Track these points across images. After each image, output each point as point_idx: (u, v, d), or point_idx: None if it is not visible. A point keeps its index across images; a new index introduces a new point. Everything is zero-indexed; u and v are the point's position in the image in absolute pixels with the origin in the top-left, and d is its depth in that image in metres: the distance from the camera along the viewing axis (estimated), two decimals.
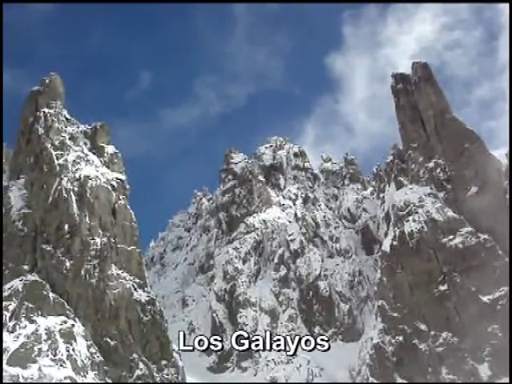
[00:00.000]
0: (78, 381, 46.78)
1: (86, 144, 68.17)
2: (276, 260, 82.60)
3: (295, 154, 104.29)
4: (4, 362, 45.39)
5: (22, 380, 44.22)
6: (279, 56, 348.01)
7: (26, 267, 56.68)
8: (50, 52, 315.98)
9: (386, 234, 71.29)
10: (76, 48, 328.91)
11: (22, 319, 49.73)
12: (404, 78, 74.44)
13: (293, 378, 66.80)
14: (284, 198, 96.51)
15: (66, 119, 68.79)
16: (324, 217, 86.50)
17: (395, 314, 62.51)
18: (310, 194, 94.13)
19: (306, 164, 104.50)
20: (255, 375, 69.97)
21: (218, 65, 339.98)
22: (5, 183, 67.05)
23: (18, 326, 48.86)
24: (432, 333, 59.15)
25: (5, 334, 47.91)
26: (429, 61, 74.50)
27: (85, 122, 70.97)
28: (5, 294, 52.28)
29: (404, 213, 66.05)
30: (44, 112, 67.14)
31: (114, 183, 64.17)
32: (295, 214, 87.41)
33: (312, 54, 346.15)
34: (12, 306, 50.67)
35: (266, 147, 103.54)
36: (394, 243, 65.74)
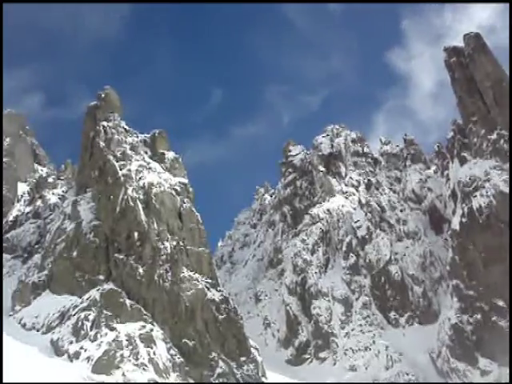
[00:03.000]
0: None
1: (146, 152, 69.75)
2: (344, 248, 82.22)
3: (353, 140, 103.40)
4: (89, 370, 46.95)
5: None
6: (343, 56, 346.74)
7: (101, 277, 58.50)
8: (121, 73, 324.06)
9: (454, 212, 69.85)
10: (144, 71, 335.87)
11: (103, 327, 51.30)
12: (457, 50, 72.78)
13: (372, 364, 66.46)
14: (346, 185, 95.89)
15: (125, 130, 70.56)
16: (389, 200, 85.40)
17: (471, 293, 61.39)
18: (372, 179, 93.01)
19: (366, 149, 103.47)
20: (334, 365, 69.96)
21: (286, 73, 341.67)
22: (73, 198, 69.28)
23: (99, 335, 50.45)
24: None
25: (87, 343, 49.57)
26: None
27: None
28: (83, 304, 54.08)
29: (470, 188, 64.71)
30: (103, 125, 69.05)
31: (177, 188, 65.40)
32: (359, 201, 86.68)
33: (374, 51, 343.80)
34: (92, 315, 52.36)
35: (323, 136, 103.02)
36: (464, 220, 64.51)
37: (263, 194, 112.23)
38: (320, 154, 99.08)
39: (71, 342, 50.09)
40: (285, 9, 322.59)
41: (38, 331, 55.13)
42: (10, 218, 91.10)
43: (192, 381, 51.79)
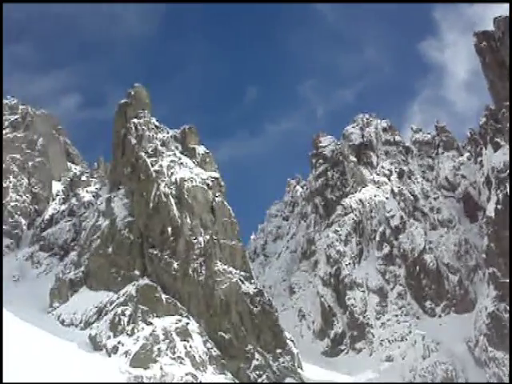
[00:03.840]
0: (199, 376, 48.46)
1: (177, 148, 70.26)
2: (378, 238, 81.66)
3: (384, 129, 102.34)
4: (127, 364, 47.69)
5: (145, 380, 46.26)
6: (376, 49, 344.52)
7: (136, 272, 59.26)
8: (156, 72, 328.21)
9: (488, 199, 68.83)
10: (179, 71, 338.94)
11: (139, 322, 52.02)
12: (487, 35, 71.31)
13: (409, 354, 65.99)
14: (378, 174, 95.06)
15: (156, 126, 71.16)
16: (422, 189, 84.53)
17: (508, 280, 60.47)
18: (404, 168, 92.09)
19: (397, 138, 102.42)
20: (370, 355, 69.69)
21: (319, 68, 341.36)
22: (107, 195, 70.21)
23: (136, 329, 51.18)
24: None
25: (125, 338, 50.33)
26: None
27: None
28: (120, 299, 54.92)
29: (505, 174, 63.64)
30: (134, 123, 69.77)
31: (209, 182, 65.77)
32: (392, 190, 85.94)
33: (407, 42, 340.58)
34: (128, 310, 53.13)
35: (353, 126, 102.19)
36: (499, 207, 63.50)
37: (295, 186, 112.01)
38: (351, 144, 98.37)
39: (109, 337, 50.90)
40: (316, 6, 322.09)
41: (76, 327, 56.18)
42: (46, 216, 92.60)
43: (229, 374, 52.14)
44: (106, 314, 54.37)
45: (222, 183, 67.89)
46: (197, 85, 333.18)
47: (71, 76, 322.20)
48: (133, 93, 73.95)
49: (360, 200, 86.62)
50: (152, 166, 64.82)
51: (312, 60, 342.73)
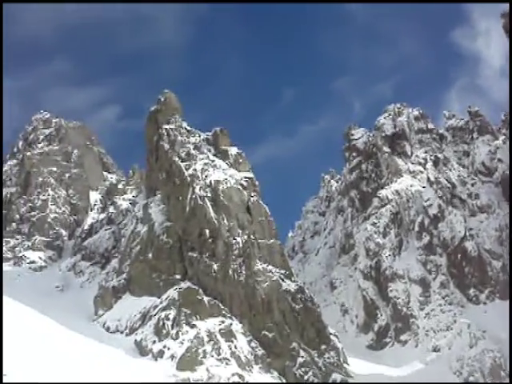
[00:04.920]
0: (245, 376, 48.67)
1: (209, 150, 70.66)
2: (417, 228, 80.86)
3: (416, 118, 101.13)
4: (174, 367, 48.16)
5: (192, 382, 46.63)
6: (409, 41, 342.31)
7: (177, 276, 59.82)
8: (193, 76, 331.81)
9: None
10: (216, 76, 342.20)
11: (183, 325, 52.48)
12: None
13: (455, 344, 65.19)
14: (413, 164, 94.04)
15: (187, 131, 71.76)
16: (458, 175, 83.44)
17: None
18: (439, 155, 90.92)
19: (430, 125, 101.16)
20: (416, 346, 69.05)
21: (354, 65, 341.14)
22: (143, 201, 71.00)
23: (180, 333, 51.66)
24: None
25: (170, 342, 50.85)
26: None
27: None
28: (163, 304, 55.50)
29: None
30: (165, 128, 70.49)
31: (243, 182, 65.97)
32: (428, 179, 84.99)
33: (439, 32, 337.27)
34: (172, 314, 53.66)
35: (384, 117, 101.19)
36: None
37: (329, 181, 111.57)
38: (383, 134, 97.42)
39: (154, 342, 51.49)
40: (345, 6, 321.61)
41: (121, 333, 56.91)
42: (86, 226, 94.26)
43: (275, 372, 52.24)
44: (150, 319, 54.98)
45: (257, 183, 68.04)
46: (232, 90, 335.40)
47: (110, 88, 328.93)
48: (163, 99, 74.65)
49: (396, 191, 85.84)
50: (186, 170, 65.37)
51: (346, 57, 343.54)
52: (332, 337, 61.46)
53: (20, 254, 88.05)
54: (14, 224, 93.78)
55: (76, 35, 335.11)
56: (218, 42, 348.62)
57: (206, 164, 66.59)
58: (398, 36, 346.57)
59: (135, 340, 52.97)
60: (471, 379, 60.10)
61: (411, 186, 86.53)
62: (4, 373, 36.62)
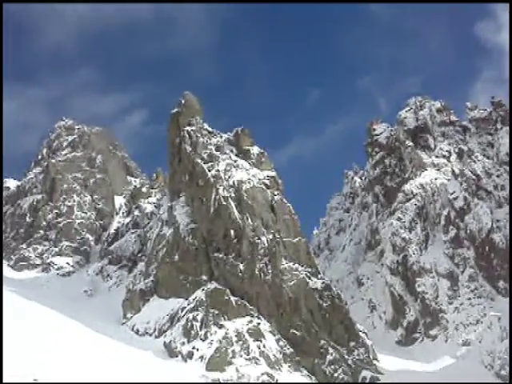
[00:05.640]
0: (275, 375, 48.66)
1: (232, 151, 70.80)
2: (443, 222, 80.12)
3: (438, 110, 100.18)
4: (203, 368, 48.32)
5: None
6: (434, 37, 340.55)
7: (204, 277, 60.02)
8: (219, 79, 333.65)
9: None
10: (241, 78, 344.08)
11: (212, 326, 52.64)
12: None
13: (486, 337, 64.46)
14: (437, 157, 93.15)
15: (209, 132, 71.94)
16: (483, 167, 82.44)
17: None
18: (463, 147, 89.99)
19: (452, 117, 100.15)
20: (446, 341, 68.39)
21: (379, 63, 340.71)
22: (168, 204, 71.37)
23: (208, 333, 51.82)
24: None
25: (199, 343, 51.03)
26: None
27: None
28: (191, 305, 55.72)
29: None
30: (187, 131, 70.75)
31: (266, 181, 66.00)
32: (452, 171, 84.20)
33: (464, 26, 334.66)
34: (200, 315, 53.85)
35: (406, 111, 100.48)
36: None
37: (352, 178, 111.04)
38: (405, 128, 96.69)
39: (183, 343, 51.72)
40: (370, 6, 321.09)
41: (150, 336, 57.29)
42: (112, 230, 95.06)
43: (304, 370, 52.16)
44: (178, 321, 55.25)
45: (280, 181, 67.99)
46: (258, 92, 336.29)
47: (137, 93, 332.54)
48: (183, 101, 74.94)
49: (421, 184, 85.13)
50: (209, 171, 65.56)
51: (370, 56, 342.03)
52: (361, 333, 61.18)
53: (48, 261, 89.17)
54: (41, 231, 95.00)
55: (101, 42, 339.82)
56: (242, 43, 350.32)
57: (228, 164, 66.73)
58: (422, 33, 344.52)
59: (164, 342, 53.26)
60: (503, 373, 59.32)
61: (436, 179, 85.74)
62: (35, 377, 37.05)
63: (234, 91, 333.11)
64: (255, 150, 71.27)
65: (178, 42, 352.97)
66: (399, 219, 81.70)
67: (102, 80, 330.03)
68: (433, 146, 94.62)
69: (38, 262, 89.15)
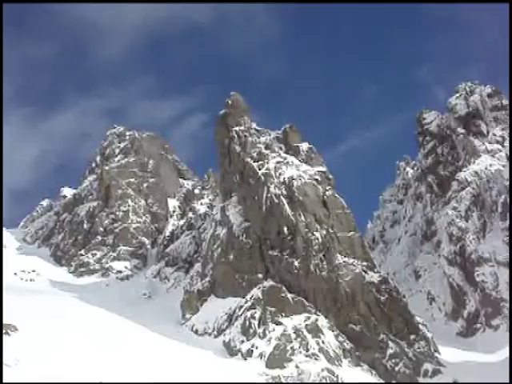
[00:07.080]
0: (335, 371, 48.55)
1: (281, 148, 70.97)
2: (500, 209, 78.44)
3: (489, 95, 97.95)
4: (263, 365, 48.56)
5: (283, 380, 46.92)
6: (488, 27, 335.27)
7: (259, 275, 60.31)
8: (274, 79, 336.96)
9: None
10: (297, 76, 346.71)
11: (269, 324, 52.88)
12: None
13: None
14: (490, 143, 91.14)
15: (257, 131, 72.32)
16: None
17: None
18: None
19: (504, 101, 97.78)
20: (508, 331, 66.93)
21: (436, 56, 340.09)
22: (220, 204, 72.01)
23: (267, 331, 52.07)
24: None
25: (257, 340, 51.32)
26: None
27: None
28: (248, 303, 56.07)
29: None
30: (236, 131, 71.30)
31: (317, 177, 65.83)
32: (507, 156, 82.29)
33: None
34: (257, 313, 54.16)
35: (456, 97, 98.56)
36: None
37: (404, 168, 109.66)
38: (456, 115, 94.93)
39: (242, 342, 52.11)
40: (421, 6, 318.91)
41: (209, 335, 57.91)
42: (167, 233, 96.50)
43: (365, 365, 51.85)
44: (236, 320, 55.70)
45: (330, 176, 67.71)
46: (314, 90, 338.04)
47: (196, 96, 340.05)
48: (230, 102, 75.50)
49: (475, 172, 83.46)
50: (259, 169, 65.85)
51: (428, 51, 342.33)
52: (420, 326, 60.40)
53: (107, 265, 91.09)
54: (98, 236, 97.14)
55: (158, 49, 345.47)
56: (300, 42, 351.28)
57: (278, 162, 66.87)
58: (474, 22, 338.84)
59: (223, 341, 53.79)
60: None
61: (490, 165, 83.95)
62: (100, 379, 38.04)
63: (292, 89, 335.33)
64: (304, 146, 71.22)
65: (235, 42, 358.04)
66: (455, 208, 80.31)
67: (160, 86, 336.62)
68: (485, 132, 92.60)
69: (97, 267, 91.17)
